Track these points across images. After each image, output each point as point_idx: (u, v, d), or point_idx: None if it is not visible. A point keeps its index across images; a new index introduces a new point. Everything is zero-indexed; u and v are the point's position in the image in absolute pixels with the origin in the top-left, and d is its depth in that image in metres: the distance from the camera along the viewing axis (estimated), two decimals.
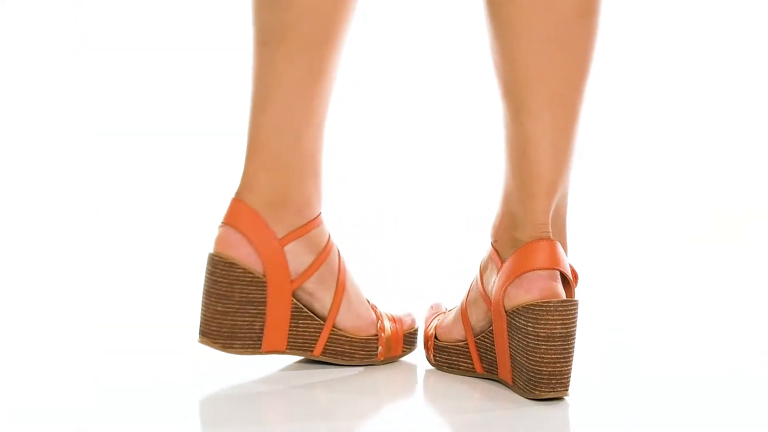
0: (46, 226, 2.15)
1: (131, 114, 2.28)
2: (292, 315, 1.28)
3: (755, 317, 1.75)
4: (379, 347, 1.32)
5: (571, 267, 1.22)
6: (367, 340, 1.31)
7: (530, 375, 1.17)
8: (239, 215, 1.26)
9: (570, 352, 1.17)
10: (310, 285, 1.29)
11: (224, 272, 1.25)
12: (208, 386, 1.26)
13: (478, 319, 1.27)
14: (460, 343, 1.29)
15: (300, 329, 1.28)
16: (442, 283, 1.79)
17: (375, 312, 1.34)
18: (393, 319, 1.35)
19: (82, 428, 1.13)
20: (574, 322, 1.18)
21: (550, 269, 1.20)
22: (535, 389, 1.17)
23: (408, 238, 2.19)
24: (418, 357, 1.38)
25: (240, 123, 1.32)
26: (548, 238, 1.20)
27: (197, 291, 1.29)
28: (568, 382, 1.18)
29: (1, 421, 1.13)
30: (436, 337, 1.32)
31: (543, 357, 1.16)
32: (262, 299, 1.26)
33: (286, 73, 1.24)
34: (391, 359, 1.33)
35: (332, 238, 1.32)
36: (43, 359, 1.40)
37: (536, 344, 1.16)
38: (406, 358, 1.37)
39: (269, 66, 1.25)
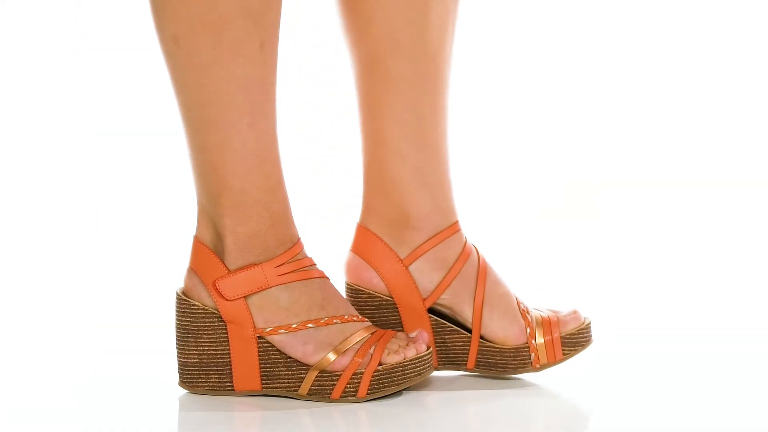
0: (46, 226, 2.15)
1: (131, 114, 2.28)
2: (435, 332, 1.28)
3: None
4: (532, 354, 1.27)
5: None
6: (517, 349, 1.27)
7: None
8: (359, 240, 1.29)
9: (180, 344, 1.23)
10: (445, 300, 1.28)
11: (352, 298, 1.29)
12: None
13: None
14: None
15: (449, 345, 1.28)
16: None
17: (525, 318, 1.29)
18: (550, 322, 1.29)
19: (82, 428, 1.13)
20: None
21: None
22: None
23: None
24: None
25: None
26: None
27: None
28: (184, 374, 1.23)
29: (1, 421, 1.13)
30: None
31: None
32: (397, 320, 1.28)
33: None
34: (550, 365, 1.28)
35: (472, 247, 1.30)
36: (43, 359, 1.40)
37: None
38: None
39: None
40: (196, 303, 1.22)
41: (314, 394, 1.19)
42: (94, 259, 2.04)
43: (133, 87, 2.28)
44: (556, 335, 1.27)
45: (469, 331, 1.27)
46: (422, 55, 1.26)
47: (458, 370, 1.29)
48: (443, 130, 1.29)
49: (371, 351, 1.19)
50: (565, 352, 1.27)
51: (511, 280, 1.30)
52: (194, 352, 1.22)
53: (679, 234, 2.18)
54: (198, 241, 1.23)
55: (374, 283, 1.28)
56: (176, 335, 1.23)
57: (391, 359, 1.20)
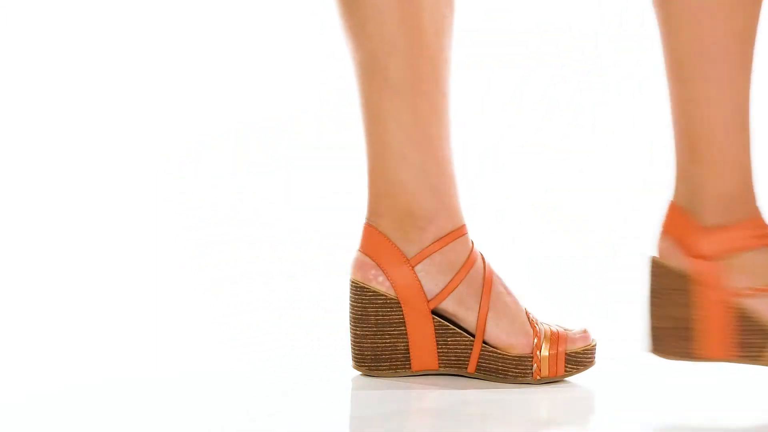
0: (46, 226, 2.15)
1: (131, 114, 2.29)
2: (438, 333, 1.28)
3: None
4: (534, 366, 1.27)
5: None
6: (520, 358, 1.27)
7: None
8: (367, 240, 1.29)
9: None
10: (449, 306, 1.28)
11: (356, 296, 1.28)
12: (208, 387, 1.26)
13: None
14: None
15: (450, 346, 1.28)
16: None
17: (533, 328, 1.28)
18: (558, 337, 1.28)
19: (82, 428, 1.13)
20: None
21: None
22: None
23: None
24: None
25: (240, 123, 1.32)
26: None
27: (197, 292, 1.29)
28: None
29: (1, 421, 1.13)
30: None
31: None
32: (400, 320, 1.28)
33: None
34: (550, 379, 1.28)
35: (479, 254, 1.30)
36: (43, 359, 1.40)
37: None
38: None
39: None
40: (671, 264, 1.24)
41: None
42: (94, 260, 2.04)
43: (133, 87, 2.29)
44: (561, 350, 1.27)
45: (473, 335, 1.27)
46: (419, 57, 1.27)
47: (458, 373, 1.29)
48: (445, 132, 1.29)
49: None
50: (567, 369, 1.27)
51: (519, 291, 1.30)
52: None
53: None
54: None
55: (380, 281, 1.28)
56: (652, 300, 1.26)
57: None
